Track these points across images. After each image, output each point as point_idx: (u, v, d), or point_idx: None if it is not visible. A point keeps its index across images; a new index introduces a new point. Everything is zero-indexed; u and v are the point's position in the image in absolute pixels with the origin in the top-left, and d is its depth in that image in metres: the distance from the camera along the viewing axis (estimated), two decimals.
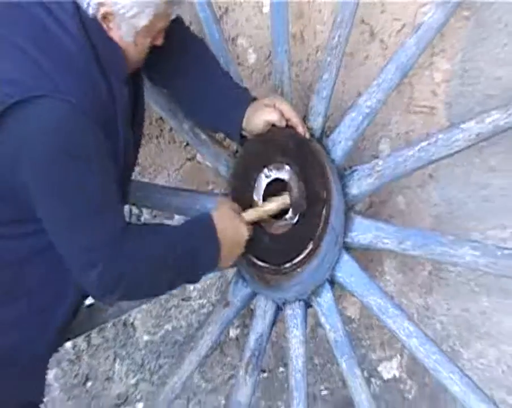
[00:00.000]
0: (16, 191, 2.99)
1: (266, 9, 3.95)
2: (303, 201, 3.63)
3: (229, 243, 3.41)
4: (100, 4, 2.94)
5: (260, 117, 3.47)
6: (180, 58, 3.50)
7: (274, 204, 3.58)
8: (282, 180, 3.66)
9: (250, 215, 3.53)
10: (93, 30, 3.01)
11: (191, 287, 4.19)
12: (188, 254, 3.34)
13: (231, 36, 4.05)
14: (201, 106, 3.59)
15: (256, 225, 3.68)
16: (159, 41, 3.22)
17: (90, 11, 2.97)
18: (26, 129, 2.92)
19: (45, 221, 3.04)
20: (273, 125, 3.61)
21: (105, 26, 3.03)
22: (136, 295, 3.43)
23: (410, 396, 4.20)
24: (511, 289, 3.93)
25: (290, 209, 3.67)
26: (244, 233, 3.45)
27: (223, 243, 3.41)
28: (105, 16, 2.99)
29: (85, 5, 2.95)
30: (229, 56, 3.87)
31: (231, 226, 3.43)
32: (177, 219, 4.37)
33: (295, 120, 3.53)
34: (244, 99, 3.55)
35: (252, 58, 4.06)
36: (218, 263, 3.39)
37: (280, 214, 3.68)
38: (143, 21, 3.03)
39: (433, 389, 4.13)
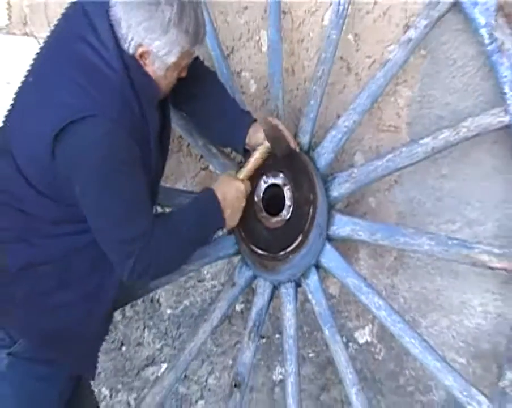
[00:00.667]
0: (69, 196, 3.17)
1: (264, 48, 4.14)
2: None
3: (231, 202, 3.57)
4: (139, 45, 3.13)
5: (259, 135, 3.63)
6: (196, 87, 3.67)
7: (257, 153, 3.72)
8: (277, 185, 3.81)
9: (242, 172, 3.69)
10: (131, 65, 3.19)
11: (205, 271, 4.41)
12: (200, 229, 3.55)
13: (236, 70, 4.21)
14: (213, 127, 3.79)
15: (256, 222, 3.84)
16: (184, 74, 3.41)
17: (130, 51, 3.15)
18: (78, 143, 3.10)
19: (90, 220, 3.22)
20: None
21: (141, 62, 3.20)
22: (161, 274, 3.62)
23: (379, 357, 4.42)
24: (459, 271, 4.17)
25: (285, 207, 3.80)
26: (241, 187, 3.60)
27: (226, 205, 3.55)
28: (141, 55, 3.17)
29: (126, 45, 3.14)
30: (234, 86, 4.03)
31: (229, 188, 3.58)
32: None
33: (289, 138, 3.67)
34: (247, 120, 3.71)
35: (253, 87, 4.24)
36: (226, 223, 3.55)
37: (276, 212, 3.80)
38: (172, 59, 3.21)
39: (398, 351, 4.36)
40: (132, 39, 3.14)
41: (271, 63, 4.00)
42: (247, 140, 3.70)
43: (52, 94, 3.21)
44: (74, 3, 3.41)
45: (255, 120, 3.77)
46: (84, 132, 3.08)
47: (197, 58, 3.75)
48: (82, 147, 3.09)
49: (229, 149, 4.19)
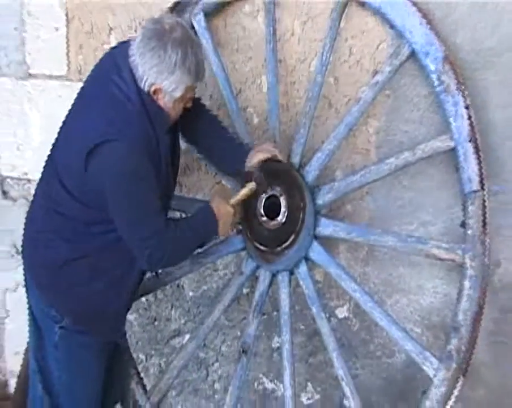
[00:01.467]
0: (100, 202, 3.39)
1: (264, 89, 4.29)
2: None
3: (223, 219, 3.75)
4: (152, 84, 3.35)
5: (254, 160, 3.86)
6: (201, 127, 3.90)
7: (245, 190, 3.89)
8: (275, 195, 4.01)
9: (233, 200, 3.86)
10: (146, 99, 3.39)
11: (219, 262, 4.56)
12: (201, 234, 3.76)
13: (243, 106, 4.34)
14: (216, 159, 4.01)
15: (257, 224, 4.06)
16: (189, 104, 3.60)
17: (146, 88, 3.36)
18: (104, 161, 3.32)
19: (116, 221, 3.44)
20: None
21: (154, 97, 3.41)
22: (171, 265, 3.89)
23: (354, 329, 4.56)
24: (415, 261, 4.35)
25: (281, 212, 3.98)
26: (231, 211, 3.77)
27: (219, 220, 3.72)
28: (155, 91, 3.38)
29: (142, 84, 3.35)
30: (241, 119, 4.20)
31: (223, 209, 3.76)
32: None
33: (278, 156, 3.91)
34: (244, 152, 3.92)
35: (256, 120, 4.39)
36: (219, 232, 3.77)
37: (274, 215, 3.99)
38: (178, 94, 3.42)
39: (369, 324, 4.49)
40: (147, 79, 3.35)
41: (270, 100, 4.17)
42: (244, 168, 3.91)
43: (86, 123, 3.42)
44: (110, 51, 3.64)
45: (250, 148, 3.96)
46: (108, 153, 3.30)
47: (200, 101, 3.99)
48: (107, 164, 3.32)
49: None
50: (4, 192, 4.79)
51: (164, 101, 3.43)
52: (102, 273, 3.60)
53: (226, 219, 3.79)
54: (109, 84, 3.41)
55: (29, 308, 3.77)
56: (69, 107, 3.65)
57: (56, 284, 3.61)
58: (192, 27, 4.22)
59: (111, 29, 4.46)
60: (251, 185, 3.93)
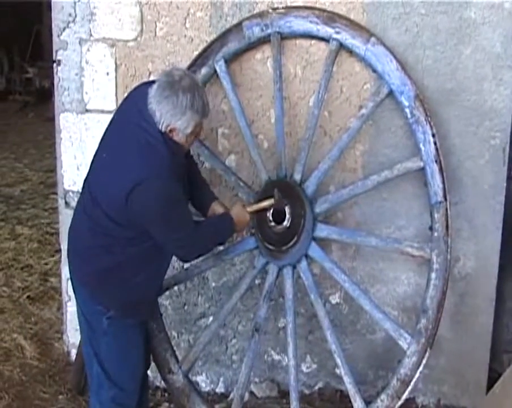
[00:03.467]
0: (139, 225, 3.39)
1: (272, 120, 4.28)
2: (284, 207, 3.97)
3: (240, 223, 3.77)
4: (168, 125, 3.31)
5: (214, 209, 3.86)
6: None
7: (264, 203, 3.92)
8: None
9: (251, 208, 3.89)
10: (166, 137, 3.35)
11: (236, 259, 4.51)
12: (221, 234, 3.77)
13: (255, 134, 4.32)
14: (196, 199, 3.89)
15: (265, 227, 4.05)
16: (199, 136, 3.58)
17: (163, 129, 3.32)
18: (142, 198, 3.29)
19: (155, 235, 3.44)
20: None
21: (171, 135, 3.37)
22: (200, 256, 3.82)
23: (344, 312, 4.55)
24: (393, 257, 4.37)
25: (286, 219, 3.97)
26: (247, 217, 3.81)
27: (236, 224, 3.75)
28: (170, 130, 3.34)
29: (160, 126, 3.31)
30: (254, 144, 4.17)
31: (241, 215, 3.78)
32: None
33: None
34: (210, 199, 3.91)
35: (266, 145, 4.39)
36: (235, 233, 3.87)
37: (280, 221, 3.98)
38: (189, 130, 3.36)
39: (356, 308, 4.46)
40: (163, 122, 3.31)
41: (277, 129, 4.15)
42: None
43: (122, 165, 3.37)
44: (129, 94, 3.65)
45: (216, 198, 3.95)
46: (146, 191, 3.27)
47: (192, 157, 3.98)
48: (147, 200, 3.29)
49: (250, 182, 4.35)
50: (67, 203, 4.83)
51: (178, 137, 3.40)
52: (140, 271, 3.57)
53: (243, 223, 3.83)
54: (139, 130, 3.37)
55: (78, 306, 3.75)
56: (102, 137, 3.63)
57: (104, 286, 3.59)
58: (215, 71, 4.23)
59: (150, 73, 4.47)
60: (270, 202, 3.93)
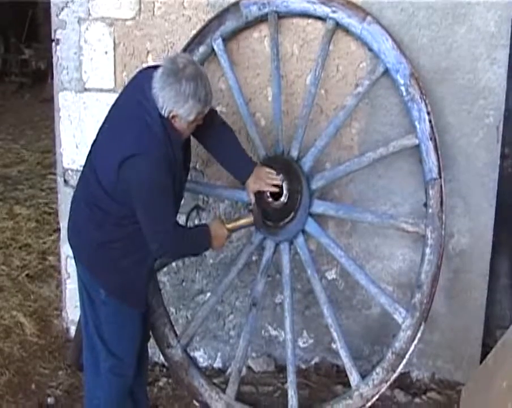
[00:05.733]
0: (129, 201, 3.41)
1: (270, 99, 4.31)
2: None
3: (217, 239, 3.75)
4: (170, 111, 3.34)
5: (254, 186, 3.93)
6: (215, 135, 3.85)
7: (243, 221, 3.96)
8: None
9: (230, 224, 3.87)
10: (166, 123, 3.38)
11: (233, 235, 4.39)
12: (197, 246, 3.77)
13: (253, 112, 4.34)
14: (225, 165, 4.00)
15: (264, 204, 4.00)
16: (200, 123, 3.55)
17: (165, 115, 3.35)
18: (132, 171, 3.33)
19: (138, 217, 3.44)
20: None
21: (172, 121, 3.40)
22: (171, 258, 4.07)
23: (340, 288, 4.59)
24: (388, 233, 4.42)
25: (283, 195, 3.97)
26: (225, 233, 3.79)
27: (214, 239, 3.73)
28: (172, 117, 3.37)
29: (162, 112, 3.34)
30: (251, 122, 4.20)
31: (220, 232, 3.76)
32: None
33: (273, 188, 3.96)
34: (248, 169, 3.93)
35: (263, 123, 4.41)
36: (211, 248, 3.81)
37: (278, 197, 3.98)
38: (191, 118, 3.39)
39: (352, 283, 4.50)
40: (166, 108, 3.34)
41: (274, 108, 4.17)
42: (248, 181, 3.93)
43: (119, 138, 3.42)
44: (136, 76, 3.66)
45: (255, 163, 3.98)
46: (136, 164, 3.32)
47: (215, 111, 3.92)
48: (134, 174, 3.33)
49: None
50: (66, 181, 4.86)
51: (180, 123, 3.43)
52: (130, 253, 3.61)
53: (220, 240, 3.81)
54: (139, 108, 3.41)
55: (79, 277, 3.77)
56: (107, 113, 3.66)
57: (94, 262, 3.64)
58: (212, 49, 4.26)
59: (148, 52, 4.50)
60: (249, 219, 3.96)
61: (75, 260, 3.78)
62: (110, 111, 3.65)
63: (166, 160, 3.38)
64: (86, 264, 3.68)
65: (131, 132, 3.41)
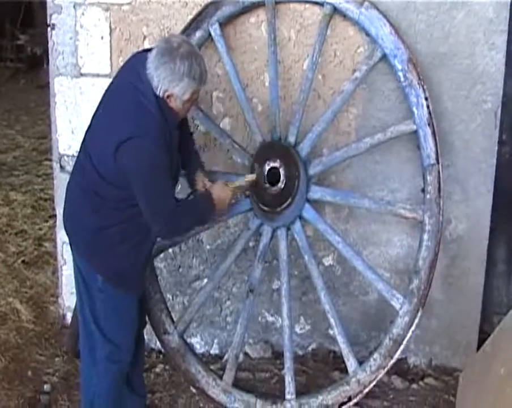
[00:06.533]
0: (127, 185, 3.41)
1: (267, 84, 4.30)
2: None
3: (220, 202, 3.74)
4: (165, 91, 3.35)
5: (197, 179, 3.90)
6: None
7: (246, 178, 3.98)
8: (276, 167, 4.04)
9: (233, 185, 3.88)
10: (162, 103, 3.40)
11: (230, 221, 4.54)
12: (201, 214, 3.74)
13: (250, 97, 4.34)
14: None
15: (260, 190, 4.08)
16: (195, 104, 3.66)
17: (160, 94, 3.37)
18: (131, 154, 3.34)
19: (138, 200, 3.44)
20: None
21: (167, 101, 3.41)
22: (176, 235, 4.03)
23: (338, 274, 4.59)
24: (386, 219, 4.41)
25: (280, 180, 4.01)
26: (229, 194, 3.79)
27: (217, 203, 3.72)
28: (168, 96, 3.38)
29: (158, 91, 3.36)
30: (248, 108, 4.19)
31: (222, 193, 3.76)
32: None
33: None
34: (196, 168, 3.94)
35: (260, 108, 4.40)
36: (216, 213, 3.81)
37: (275, 182, 4.02)
38: (186, 97, 3.41)
39: (349, 270, 4.52)
40: (161, 87, 3.36)
41: (271, 93, 4.17)
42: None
43: (115, 122, 3.43)
44: (129, 60, 3.66)
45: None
46: (134, 147, 3.33)
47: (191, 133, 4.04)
48: (133, 157, 3.34)
49: (245, 145, 4.36)
50: (62, 167, 4.86)
51: (175, 103, 3.45)
52: (128, 237, 3.61)
53: (224, 202, 3.80)
54: (134, 90, 3.42)
55: (75, 264, 3.77)
56: (101, 98, 3.66)
57: (91, 249, 3.64)
58: (209, 34, 4.25)
59: (145, 37, 4.50)
60: (251, 177, 4.00)
61: (71, 248, 3.77)
62: (103, 97, 3.65)
63: (163, 140, 3.40)
64: (83, 250, 3.68)
65: (127, 115, 3.42)
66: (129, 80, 3.49)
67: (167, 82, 3.35)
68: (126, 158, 3.36)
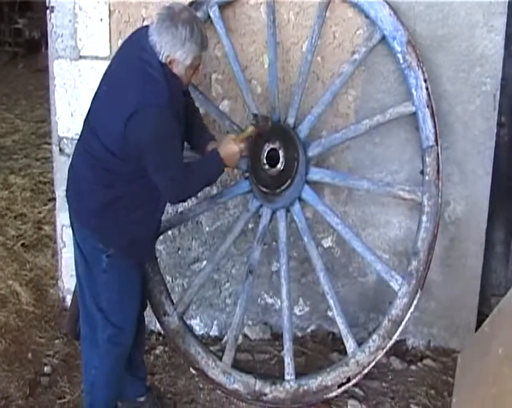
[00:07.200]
0: (136, 157, 3.44)
1: (266, 66, 4.30)
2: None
3: (229, 157, 3.71)
4: (168, 56, 3.37)
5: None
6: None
7: (250, 129, 3.87)
8: (275, 148, 4.05)
9: (238, 137, 3.83)
10: (166, 70, 3.42)
11: (229, 203, 4.55)
12: (211, 172, 3.75)
13: (249, 79, 4.34)
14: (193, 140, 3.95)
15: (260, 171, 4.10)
16: (198, 71, 3.62)
17: (163, 60, 3.39)
18: (140, 125, 3.34)
19: (148, 168, 3.46)
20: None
21: (170, 66, 3.43)
22: (189, 197, 3.94)
23: (337, 255, 4.62)
24: (385, 201, 4.44)
25: (279, 162, 4.03)
26: (236, 148, 3.73)
27: (225, 158, 3.70)
28: (170, 62, 3.40)
29: (160, 57, 3.38)
30: (248, 89, 4.19)
31: (229, 148, 3.72)
32: None
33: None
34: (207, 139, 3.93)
35: (259, 90, 4.40)
36: (224, 168, 3.75)
37: (274, 164, 4.04)
38: (188, 61, 3.43)
39: (348, 251, 4.53)
40: (164, 53, 3.38)
41: (270, 75, 4.17)
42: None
43: (122, 96, 3.44)
44: (130, 35, 3.67)
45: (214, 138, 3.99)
46: (143, 117, 3.34)
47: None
48: (143, 127, 3.36)
49: (244, 127, 4.25)
50: (61, 149, 4.85)
51: (178, 69, 3.46)
52: (136, 208, 3.63)
53: (233, 157, 3.78)
54: (139, 61, 3.44)
55: (76, 246, 3.76)
56: (102, 77, 3.67)
57: (102, 223, 3.62)
58: (209, 16, 4.25)
59: (144, 19, 4.48)
60: (252, 127, 3.92)
61: (75, 228, 3.76)
62: (105, 75, 3.66)
63: (171, 107, 3.41)
64: (93, 227, 3.66)
65: (134, 86, 3.44)
66: (133, 53, 3.51)
67: (169, 47, 3.38)
68: (137, 130, 3.38)
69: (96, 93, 3.67)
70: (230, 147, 3.77)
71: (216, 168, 3.76)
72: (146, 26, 3.53)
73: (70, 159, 3.80)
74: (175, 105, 3.46)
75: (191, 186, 3.69)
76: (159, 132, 3.39)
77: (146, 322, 4.30)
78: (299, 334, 4.83)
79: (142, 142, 3.40)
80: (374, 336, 4.13)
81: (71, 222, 3.80)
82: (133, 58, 3.48)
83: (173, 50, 3.39)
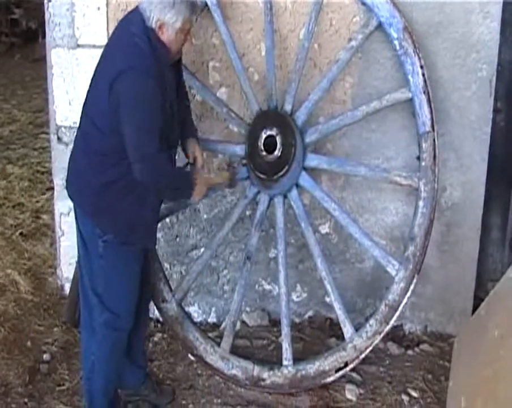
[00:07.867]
0: (118, 132, 3.44)
1: (263, 53, 4.29)
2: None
3: (197, 193, 3.74)
4: (157, 20, 3.41)
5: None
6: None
7: (222, 175, 4.06)
8: (272, 135, 4.04)
9: (211, 180, 4.00)
10: (152, 36, 3.44)
11: (226, 190, 4.51)
12: (178, 185, 3.76)
13: (246, 67, 4.33)
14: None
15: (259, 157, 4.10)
16: (188, 38, 3.63)
17: (153, 25, 3.42)
18: (121, 87, 3.37)
19: (125, 139, 3.44)
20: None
21: (159, 32, 3.45)
22: (153, 185, 3.65)
23: (334, 241, 4.63)
24: (382, 187, 4.45)
25: (277, 148, 4.03)
26: (205, 189, 3.83)
27: (195, 192, 3.73)
28: (160, 26, 3.43)
29: (149, 22, 3.42)
30: (245, 77, 4.20)
31: (202, 187, 3.78)
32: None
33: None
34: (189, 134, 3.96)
35: (256, 77, 4.40)
36: (190, 197, 3.77)
37: (272, 151, 4.04)
38: (178, 24, 3.44)
39: (345, 237, 4.55)
40: (153, 17, 3.40)
41: (267, 62, 4.18)
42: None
43: (110, 62, 3.51)
44: (119, 22, 3.71)
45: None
46: (124, 78, 3.36)
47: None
48: (123, 87, 3.38)
49: (241, 114, 4.36)
50: (59, 138, 4.85)
51: (167, 34, 3.48)
52: (129, 192, 3.62)
53: (201, 193, 3.82)
54: (127, 35, 3.49)
55: (78, 231, 3.77)
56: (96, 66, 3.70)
57: (98, 209, 3.64)
58: (206, 4, 4.25)
59: None
60: (226, 175, 4.05)
61: (77, 212, 3.78)
62: (99, 62, 3.69)
63: (153, 73, 3.43)
64: (91, 210, 3.68)
65: (119, 55, 3.49)
66: (122, 30, 3.58)
67: (158, 10, 3.41)
68: (119, 92, 3.40)
69: (91, 80, 3.69)
70: (204, 187, 3.84)
71: (184, 187, 3.77)
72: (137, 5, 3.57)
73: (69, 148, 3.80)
74: (159, 75, 3.46)
75: (156, 176, 3.61)
76: (139, 95, 3.42)
77: None
78: (297, 320, 4.85)
79: (121, 105, 3.41)
80: (371, 321, 4.15)
81: (74, 207, 3.82)
82: (122, 33, 3.54)
83: (163, 12, 3.41)
